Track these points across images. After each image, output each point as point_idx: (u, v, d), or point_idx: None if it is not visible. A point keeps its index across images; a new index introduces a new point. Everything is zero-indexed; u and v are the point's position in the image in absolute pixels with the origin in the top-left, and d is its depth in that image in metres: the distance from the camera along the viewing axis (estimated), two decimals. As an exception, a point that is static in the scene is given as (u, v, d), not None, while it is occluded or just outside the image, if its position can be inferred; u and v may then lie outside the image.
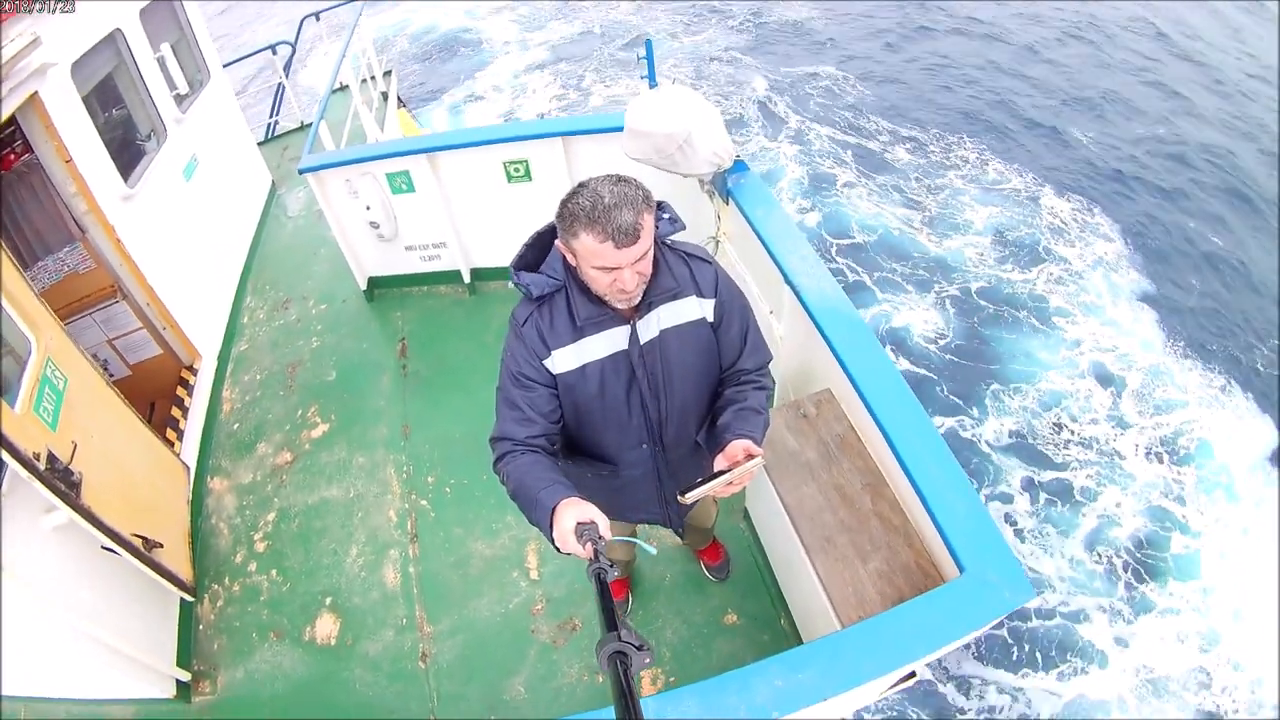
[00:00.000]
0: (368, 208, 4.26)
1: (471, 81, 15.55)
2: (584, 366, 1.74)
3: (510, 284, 1.85)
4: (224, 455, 3.98)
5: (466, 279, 4.67)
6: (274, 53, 6.56)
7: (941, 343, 8.50)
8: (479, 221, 4.40)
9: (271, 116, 7.27)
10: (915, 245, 9.54)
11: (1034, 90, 13.27)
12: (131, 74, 4.11)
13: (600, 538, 1.46)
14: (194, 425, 4.00)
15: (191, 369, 4.19)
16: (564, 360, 1.73)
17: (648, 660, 1.13)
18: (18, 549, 2.27)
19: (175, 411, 3.92)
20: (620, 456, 1.91)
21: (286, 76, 6.62)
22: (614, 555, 2.69)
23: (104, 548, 2.54)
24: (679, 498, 1.60)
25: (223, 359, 4.53)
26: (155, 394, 3.92)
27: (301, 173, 4.12)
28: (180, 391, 4.04)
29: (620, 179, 1.54)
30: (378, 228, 4.37)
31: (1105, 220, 10.05)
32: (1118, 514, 7.07)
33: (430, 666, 2.96)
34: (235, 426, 4.13)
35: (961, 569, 1.79)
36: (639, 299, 1.67)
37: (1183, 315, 8.95)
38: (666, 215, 1.73)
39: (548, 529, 1.55)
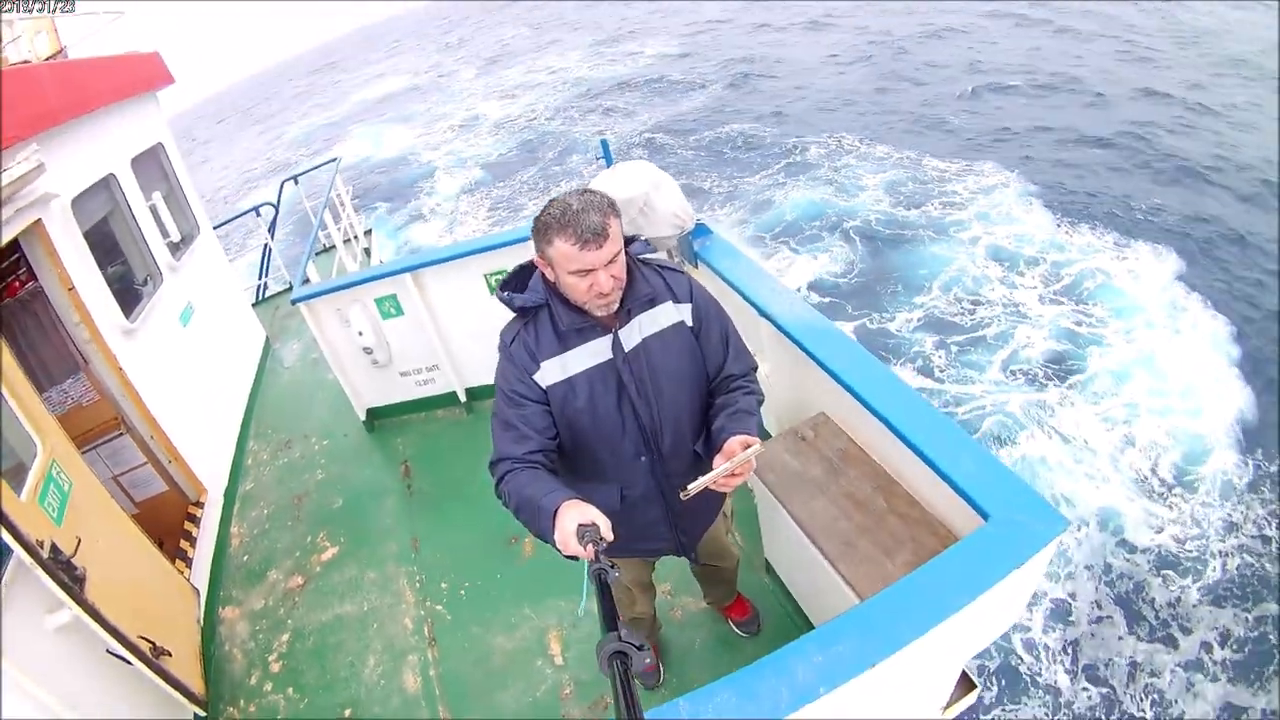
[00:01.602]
0: (360, 334, 4.39)
1: (416, 202, 18.11)
2: (572, 378, 1.79)
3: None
4: (234, 586, 3.91)
5: (462, 398, 4.73)
6: (258, 214, 6.91)
7: (852, 268, 10.66)
8: (468, 339, 4.52)
9: (260, 278, 7.55)
10: (829, 205, 12.55)
11: (901, 87, 18.42)
12: (126, 219, 4.32)
13: (602, 539, 1.46)
14: (203, 556, 3.95)
15: (199, 504, 4.17)
16: (552, 372, 1.78)
17: (647, 660, 1.14)
18: (19, 648, 2.18)
19: (184, 544, 3.89)
20: (620, 473, 1.92)
21: (272, 238, 6.96)
22: (635, 610, 2.61)
23: (110, 652, 2.44)
24: (681, 494, 1.61)
25: (229, 497, 4.53)
26: (163, 532, 3.87)
27: (294, 303, 4.28)
28: (188, 525, 4.01)
29: (585, 190, 1.67)
30: (371, 353, 4.48)
31: (991, 164, 12.99)
32: (1029, 341, 8.68)
33: None
34: (245, 558, 4.08)
35: (986, 517, 1.76)
36: (617, 304, 1.74)
37: (1068, 198, 11.44)
38: (641, 239, 1.86)
39: (550, 534, 1.55)
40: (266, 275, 7.54)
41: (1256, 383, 7.58)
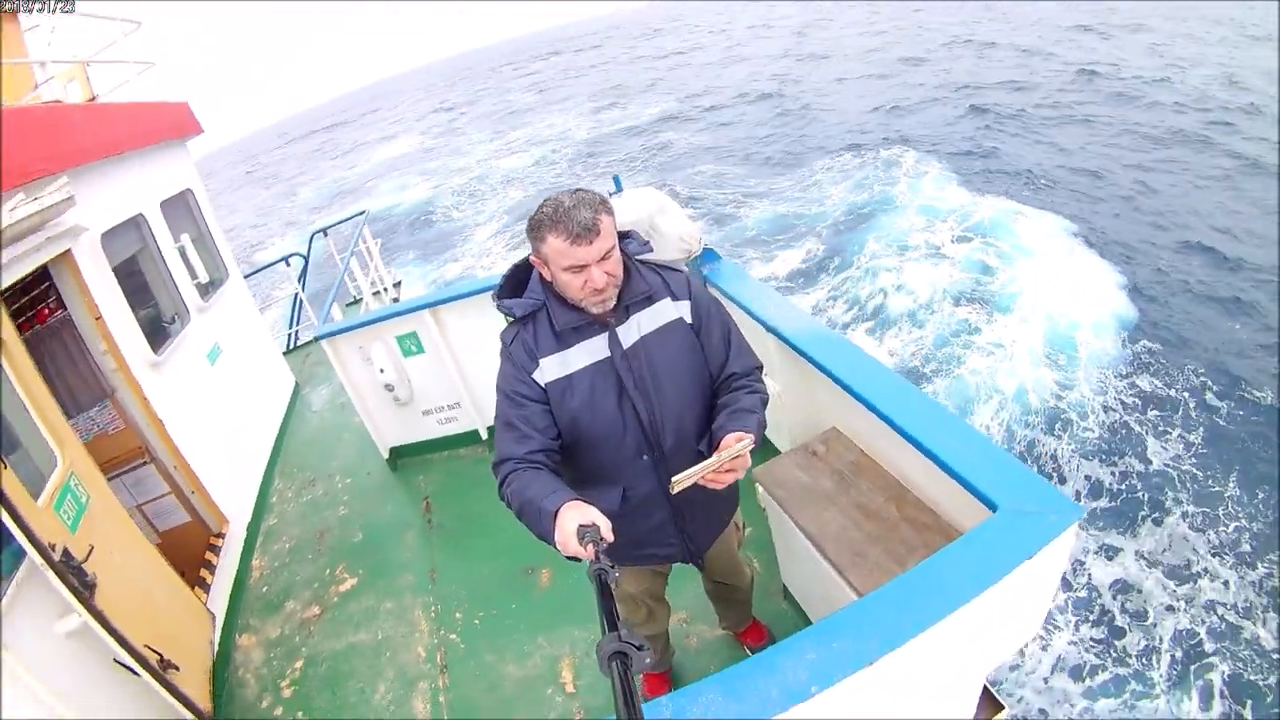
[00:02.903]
0: (381, 370, 4.45)
1: (444, 253, 19.14)
2: (571, 375, 1.79)
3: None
4: (252, 615, 3.92)
5: (484, 436, 4.75)
6: (288, 264, 7.10)
7: (817, 258, 13.01)
8: (488, 376, 4.51)
9: (291, 327, 7.71)
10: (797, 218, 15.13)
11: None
12: (155, 258, 4.47)
13: (602, 539, 1.45)
14: (221, 585, 3.97)
15: (220, 535, 4.21)
16: (551, 369, 1.79)
17: (647, 660, 1.13)
18: (28, 649, 2.19)
19: (204, 573, 3.91)
20: (623, 473, 1.90)
21: (302, 288, 7.13)
22: (650, 628, 2.55)
23: (118, 662, 2.44)
24: (670, 488, 1.60)
25: (251, 531, 4.57)
26: (184, 563, 3.88)
27: (318, 339, 4.38)
28: (209, 555, 4.04)
29: (577, 189, 1.71)
30: (393, 390, 4.53)
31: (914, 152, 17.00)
32: (941, 278, 10.98)
33: None
34: (264, 590, 4.10)
35: (995, 508, 1.71)
36: (613, 302, 1.76)
37: (973, 176, 14.78)
38: (636, 239, 1.88)
39: (551, 535, 1.54)
40: (297, 324, 7.70)
41: (1127, 286, 9.79)
